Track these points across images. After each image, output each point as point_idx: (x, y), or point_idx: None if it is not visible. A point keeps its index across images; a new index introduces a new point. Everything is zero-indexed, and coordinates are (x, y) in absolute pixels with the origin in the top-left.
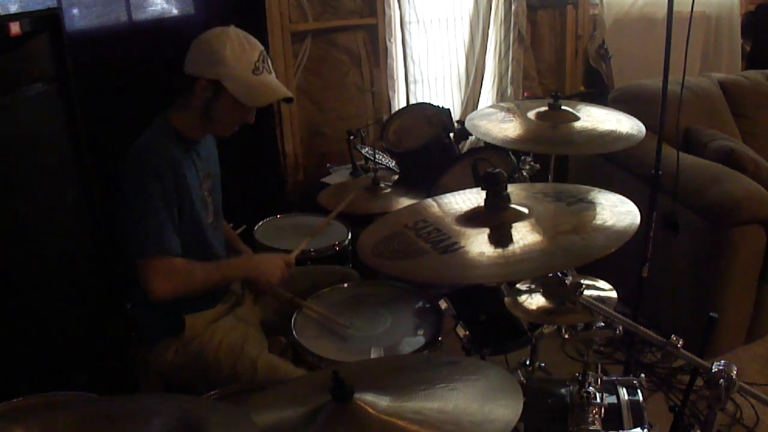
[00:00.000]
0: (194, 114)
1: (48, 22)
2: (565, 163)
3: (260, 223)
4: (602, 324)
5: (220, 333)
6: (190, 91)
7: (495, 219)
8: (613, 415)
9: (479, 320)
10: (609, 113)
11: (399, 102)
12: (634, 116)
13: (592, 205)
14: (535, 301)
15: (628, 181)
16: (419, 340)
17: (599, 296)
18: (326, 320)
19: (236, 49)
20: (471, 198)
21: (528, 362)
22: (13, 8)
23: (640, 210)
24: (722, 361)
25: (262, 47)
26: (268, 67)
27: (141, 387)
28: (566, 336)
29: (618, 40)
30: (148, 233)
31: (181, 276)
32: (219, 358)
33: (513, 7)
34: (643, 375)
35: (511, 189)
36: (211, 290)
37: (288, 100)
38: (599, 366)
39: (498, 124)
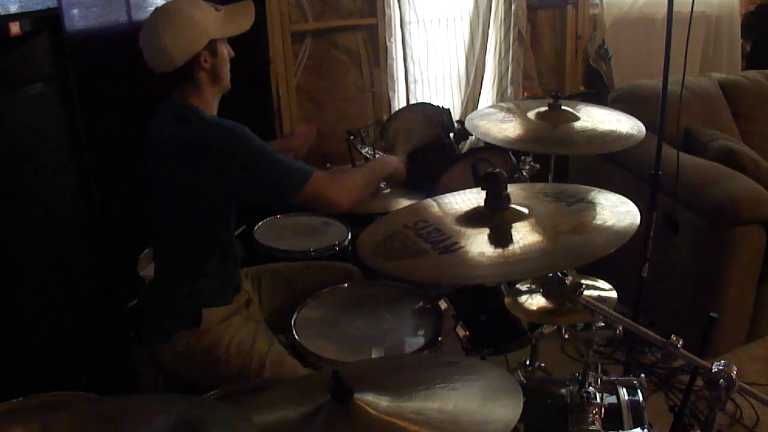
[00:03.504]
0: (206, 87)
1: (48, 22)
2: (565, 163)
3: (260, 223)
4: (602, 324)
5: (233, 329)
6: (195, 72)
7: (495, 219)
8: (613, 415)
9: (479, 320)
10: (609, 113)
11: (399, 102)
12: (634, 116)
13: (592, 205)
14: (535, 301)
15: (628, 181)
16: (419, 340)
17: (599, 296)
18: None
19: (197, 6)
20: (471, 198)
21: (528, 362)
22: (13, 8)
23: (640, 210)
24: (722, 361)
25: None
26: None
27: (141, 386)
28: (566, 336)
29: (618, 40)
30: (290, 167)
31: (343, 178)
32: (230, 352)
33: (513, 7)
34: (643, 375)
35: (511, 189)
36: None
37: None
38: (599, 366)
39: (498, 124)
